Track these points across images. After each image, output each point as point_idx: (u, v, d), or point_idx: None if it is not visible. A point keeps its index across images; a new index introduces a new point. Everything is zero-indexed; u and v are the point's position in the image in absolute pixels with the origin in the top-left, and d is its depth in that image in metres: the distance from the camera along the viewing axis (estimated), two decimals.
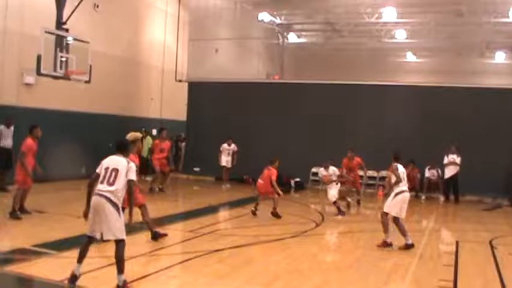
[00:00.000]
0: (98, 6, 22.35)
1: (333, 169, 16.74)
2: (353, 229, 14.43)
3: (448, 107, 21.64)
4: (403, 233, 11.58)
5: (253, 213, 15.06)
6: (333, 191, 16.44)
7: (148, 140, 23.61)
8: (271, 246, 11.54)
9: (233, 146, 22.34)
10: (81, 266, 7.86)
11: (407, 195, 11.63)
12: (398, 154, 12.19)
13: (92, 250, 9.58)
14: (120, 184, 7.79)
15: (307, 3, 28.64)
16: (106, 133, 22.62)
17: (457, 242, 12.67)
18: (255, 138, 23.26)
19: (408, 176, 21.32)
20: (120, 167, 7.88)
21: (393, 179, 11.66)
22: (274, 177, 15.11)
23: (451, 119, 21.50)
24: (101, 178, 7.82)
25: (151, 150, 20.01)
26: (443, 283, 9.02)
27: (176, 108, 26.89)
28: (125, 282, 7.76)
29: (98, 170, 7.96)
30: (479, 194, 21.20)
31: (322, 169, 17.07)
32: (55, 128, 19.44)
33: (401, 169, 11.81)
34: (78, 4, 19.03)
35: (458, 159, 20.64)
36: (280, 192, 15.02)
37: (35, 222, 11.97)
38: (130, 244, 10.89)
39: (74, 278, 7.77)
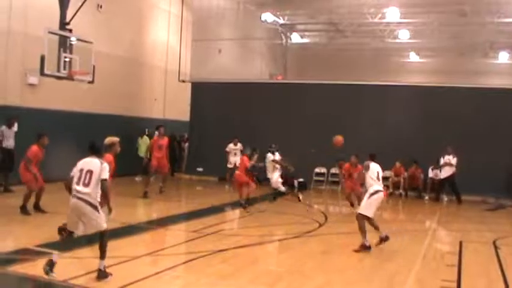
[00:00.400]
0: (101, 7, 22.37)
1: (278, 155, 17.29)
2: (356, 230, 14.34)
3: (450, 107, 21.61)
4: (377, 228, 11.47)
5: (245, 208, 15.87)
6: (276, 175, 16.96)
7: (146, 140, 23.66)
8: (274, 246, 11.56)
9: (239, 145, 22.39)
10: (61, 254, 8.28)
11: (381, 195, 11.41)
12: (374, 154, 12.15)
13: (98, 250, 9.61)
14: (95, 184, 8.26)
15: (310, 3, 28.62)
16: (109, 133, 22.60)
17: (460, 243, 12.64)
18: (257, 138, 23.19)
19: (412, 176, 21.61)
20: (94, 168, 8.36)
21: (367, 179, 11.45)
22: (247, 164, 16.22)
23: (453, 119, 21.47)
24: (76, 179, 8.32)
25: (149, 149, 19.75)
26: (447, 283, 9.02)
27: (179, 109, 26.90)
28: (105, 267, 8.19)
29: (72, 172, 8.48)
30: (482, 194, 21.16)
31: (269, 154, 17.25)
32: (58, 128, 19.46)
33: (376, 168, 11.58)
34: (82, 5, 19.04)
35: (454, 160, 20.65)
36: (253, 184, 16.32)
37: (38, 223, 11.99)
38: (134, 244, 10.94)
39: (50, 262, 8.06)
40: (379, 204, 11.48)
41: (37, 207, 13.44)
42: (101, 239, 8.31)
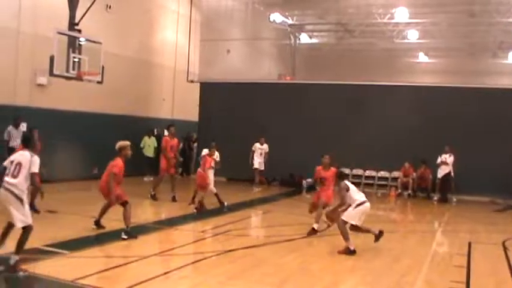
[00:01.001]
0: (110, 7, 22.44)
1: (217, 153, 16.90)
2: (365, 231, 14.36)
3: (459, 108, 21.55)
4: (368, 230, 11.40)
5: (198, 209, 15.50)
6: (211, 175, 16.49)
7: (152, 140, 23.75)
8: (282, 246, 11.54)
9: (265, 146, 22.22)
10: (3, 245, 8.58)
11: (368, 205, 11.27)
12: (344, 172, 12.21)
13: (111, 249, 9.68)
14: (23, 177, 8.31)
15: (319, 3, 28.58)
16: (118, 134, 22.72)
17: (469, 243, 12.60)
18: (267, 138, 23.23)
19: (420, 176, 21.56)
20: (24, 161, 8.38)
21: (351, 197, 11.21)
22: (207, 165, 15.94)
23: (462, 119, 21.41)
24: (7, 171, 8.36)
25: (162, 148, 19.17)
26: (456, 284, 8.98)
27: (188, 109, 26.92)
28: (17, 262, 8.22)
29: (5, 163, 8.50)
30: (490, 195, 21.09)
31: (206, 150, 16.93)
32: (67, 129, 19.57)
33: (351, 187, 11.39)
34: (91, 5, 19.11)
35: (450, 159, 20.66)
36: (211, 186, 16.22)
37: (46, 222, 12.02)
38: (142, 244, 10.96)
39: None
40: (364, 214, 11.31)
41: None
42: (22, 234, 8.35)
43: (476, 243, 12.85)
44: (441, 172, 20.96)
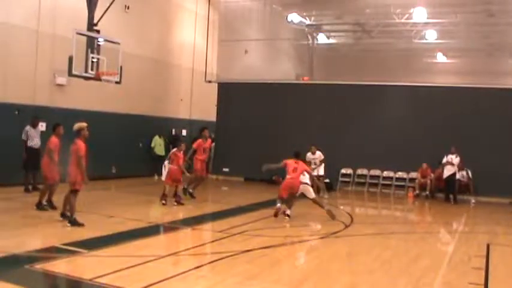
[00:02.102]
0: (128, 8, 22.54)
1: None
2: (383, 231, 14.35)
3: (478, 108, 21.44)
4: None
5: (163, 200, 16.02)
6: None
7: (158, 140, 24.11)
8: (300, 247, 11.54)
9: (318, 154, 20.44)
10: None
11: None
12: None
13: (128, 249, 9.73)
14: None
15: (337, 4, 28.54)
16: (136, 133, 22.92)
17: (487, 245, 12.52)
18: (284, 138, 23.23)
19: (438, 177, 21.41)
20: None
21: None
22: (181, 162, 16.36)
23: (481, 119, 21.28)
24: None
25: (194, 151, 18.70)
26: (474, 286, 8.92)
27: (206, 109, 26.98)
28: None
29: None
30: (510, 197, 20.93)
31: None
32: None
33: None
34: (109, 6, 19.21)
35: (456, 160, 20.50)
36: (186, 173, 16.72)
37: (65, 222, 12.11)
38: (159, 244, 11.00)
39: None
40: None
41: (49, 202, 13.80)
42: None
43: (495, 244, 12.76)
44: (446, 173, 20.80)
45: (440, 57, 35.43)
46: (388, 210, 18.46)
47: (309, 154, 20.29)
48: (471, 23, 28.56)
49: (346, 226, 14.19)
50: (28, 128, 17.42)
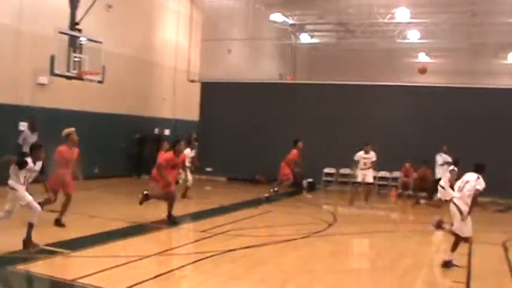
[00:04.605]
0: (110, 7, 22.40)
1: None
2: (366, 230, 14.39)
3: (460, 108, 21.57)
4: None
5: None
6: None
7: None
8: (283, 246, 11.53)
9: (372, 154, 18.76)
10: None
11: None
12: None
13: (111, 249, 9.68)
14: None
15: (320, 3, 28.60)
16: (118, 133, 22.80)
17: (470, 243, 12.58)
18: (266, 138, 23.24)
19: (421, 176, 21.46)
20: None
21: None
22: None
23: (462, 119, 21.41)
24: None
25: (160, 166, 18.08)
26: (456, 285, 8.98)
27: (188, 108, 26.92)
28: None
29: None
30: (491, 196, 21.05)
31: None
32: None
33: None
34: (92, 5, 19.12)
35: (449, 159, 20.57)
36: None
37: (47, 221, 12.00)
38: (142, 244, 10.96)
39: None
40: None
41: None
42: None
43: (477, 243, 12.80)
44: (443, 172, 20.82)
45: (423, 57, 35.63)
46: (371, 210, 18.50)
47: (361, 153, 18.69)
48: (454, 23, 28.73)
49: (330, 225, 14.22)
50: (26, 131, 17.02)
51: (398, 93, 23.08)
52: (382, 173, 22.87)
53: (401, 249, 11.68)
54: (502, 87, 23.78)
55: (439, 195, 15.63)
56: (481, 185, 10.00)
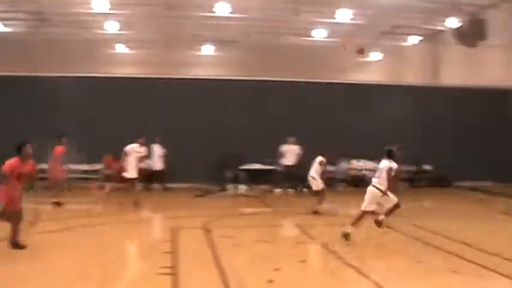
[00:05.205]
0: None
1: None
2: (69, 226, 13.86)
3: (158, 98, 22.63)
4: None
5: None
6: None
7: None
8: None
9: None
10: None
11: None
12: None
13: None
14: None
15: None
16: None
17: (174, 229, 12.93)
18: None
19: (120, 170, 21.34)
20: None
21: None
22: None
23: (157, 108, 22.61)
24: None
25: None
26: (165, 270, 9.10)
27: None
28: None
29: None
30: (191, 182, 22.09)
31: None
32: None
33: None
34: None
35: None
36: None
37: None
38: None
39: None
40: None
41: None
42: None
43: (182, 228, 13.23)
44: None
45: (122, 49, 35.78)
46: (68, 205, 17.36)
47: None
48: (150, 15, 29.17)
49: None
50: None
51: (97, 85, 23.31)
52: (85, 167, 22.42)
53: (103, 242, 11.45)
54: (198, 77, 25.23)
55: (313, 186, 16.35)
56: (393, 164, 11.57)
